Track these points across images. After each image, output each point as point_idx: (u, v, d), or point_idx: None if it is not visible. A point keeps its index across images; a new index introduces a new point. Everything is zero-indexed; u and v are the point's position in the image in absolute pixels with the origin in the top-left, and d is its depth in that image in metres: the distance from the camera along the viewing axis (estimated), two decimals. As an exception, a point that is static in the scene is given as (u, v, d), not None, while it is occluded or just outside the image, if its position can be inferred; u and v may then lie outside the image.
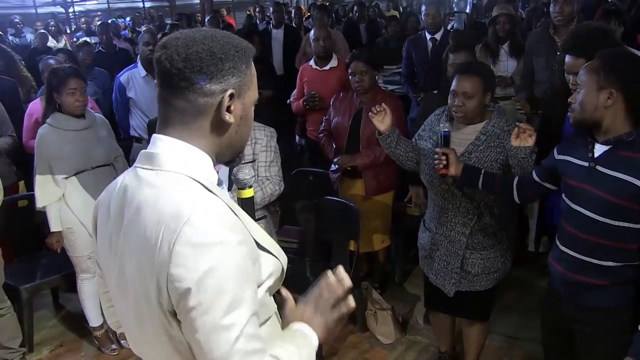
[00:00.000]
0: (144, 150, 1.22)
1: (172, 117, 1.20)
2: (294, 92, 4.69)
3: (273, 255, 1.26)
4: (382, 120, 2.71)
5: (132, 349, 1.37)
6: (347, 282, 1.29)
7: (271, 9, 7.33)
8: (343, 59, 4.84)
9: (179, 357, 1.20)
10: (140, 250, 1.14)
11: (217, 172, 1.25)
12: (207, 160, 1.22)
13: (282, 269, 1.30)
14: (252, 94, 1.25)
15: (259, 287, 1.20)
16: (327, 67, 4.48)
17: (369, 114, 2.75)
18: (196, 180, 1.16)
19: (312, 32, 4.64)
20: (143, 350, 1.32)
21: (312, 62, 4.56)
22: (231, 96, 1.18)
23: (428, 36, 4.93)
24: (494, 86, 2.69)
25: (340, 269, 1.31)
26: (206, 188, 1.17)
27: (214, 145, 1.22)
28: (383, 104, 2.75)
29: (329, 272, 1.31)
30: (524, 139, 2.39)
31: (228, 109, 1.18)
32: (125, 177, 1.24)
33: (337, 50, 5.67)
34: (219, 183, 1.27)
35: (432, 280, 2.80)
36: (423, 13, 5.07)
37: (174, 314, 1.14)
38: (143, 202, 1.15)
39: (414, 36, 5.25)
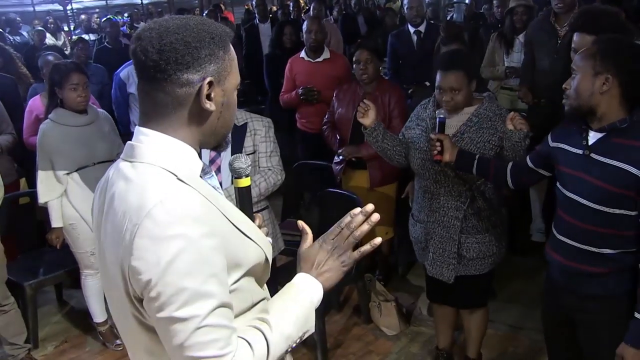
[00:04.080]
0: (128, 142, 1.23)
1: (153, 110, 1.19)
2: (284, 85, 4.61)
3: (255, 242, 1.27)
4: (366, 116, 2.71)
5: (121, 338, 1.38)
6: (375, 216, 1.31)
7: (254, 2, 7.25)
8: (337, 52, 4.83)
9: (151, 345, 1.22)
10: (113, 242, 1.16)
11: (214, 159, 1.24)
12: (189, 151, 1.21)
13: (265, 257, 1.30)
14: (233, 79, 1.23)
15: (238, 274, 1.21)
16: (320, 59, 4.43)
17: (356, 114, 2.75)
18: (170, 172, 1.16)
19: (304, 24, 4.61)
20: (125, 339, 1.33)
21: (302, 54, 4.50)
22: (210, 84, 1.17)
23: (412, 29, 4.91)
24: (477, 73, 2.75)
25: (369, 206, 1.32)
26: (180, 180, 1.16)
27: (197, 134, 1.22)
28: (366, 100, 2.76)
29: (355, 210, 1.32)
30: (518, 125, 2.45)
31: (208, 97, 1.18)
32: (111, 169, 1.25)
33: (330, 44, 5.65)
34: (206, 172, 1.27)
35: (429, 271, 2.80)
36: (406, 6, 5.05)
37: (140, 302, 1.15)
38: (117, 194, 1.16)
39: (397, 31, 5.23)
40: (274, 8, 11.58)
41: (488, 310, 2.94)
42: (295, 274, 1.32)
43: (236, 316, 1.22)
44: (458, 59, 2.66)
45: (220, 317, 1.12)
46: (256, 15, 6.95)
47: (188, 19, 1.18)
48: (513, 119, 2.47)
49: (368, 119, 2.71)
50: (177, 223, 1.08)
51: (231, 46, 1.23)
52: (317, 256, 1.31)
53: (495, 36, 4.66)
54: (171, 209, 1.09)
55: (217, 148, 1.32)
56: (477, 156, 2.44)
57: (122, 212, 1.13)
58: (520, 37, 4.53)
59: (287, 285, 1.31)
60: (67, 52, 6.44)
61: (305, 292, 1.29)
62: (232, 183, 1.68)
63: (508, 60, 4.59)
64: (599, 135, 1.99)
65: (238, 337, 1.15)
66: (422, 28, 4.88)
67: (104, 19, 7.83)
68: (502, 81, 4.62)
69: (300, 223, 1.39)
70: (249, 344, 1.16)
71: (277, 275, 3.08)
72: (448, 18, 7.85)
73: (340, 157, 3.73)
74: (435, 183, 2.68)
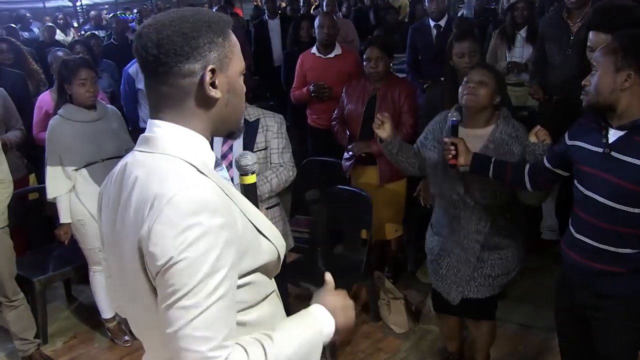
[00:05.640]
0: (142, 134, 1.25)
1: (161, 103, 1.21)
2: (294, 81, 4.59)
3: (268, 239, 1.28)
4: (383, 128, 2.67)
5: (133, 332, 1.38)
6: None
7: None
8: (348, 48, 4.80)
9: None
10: (131, 229, 1.16)
11: (226, 153, 1.23)
12: (202, 141, 1.23)
13: (278, 254, 1.31)
14: (237, 65, 1.25)
15: (251, 268, 1.22)
16: (332, 55, 4.42)
17: (373, 125, 2.71)
18: (189, 163, 1.18)
19: (317, 19, 4.59)
20: (141, 332, 1.33)
21: (314, 50, 4.48)
22: (212, 71, 1.18)
23: (432, 23, 4.89)
24: (504, 91, 2.71)
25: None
26: (198, 170, 1.18)
27: (207, 122, 1.24)
28: (385, 113, 2.72)
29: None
30: (541, 137, 2.40)
31: (213, 85, 1.19)
32: (125, 160, 1.26)
33: (349, 40, 5.63)
34: (218, 163, 1.29)
35: (436, 286, 2.77)
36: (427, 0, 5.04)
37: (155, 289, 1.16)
38: (136, 183, 1.17)
39: (417, 24, 5.22)
40: (283, 4, 11.55)
41: (496, 322, 2.89)
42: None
43: (248, 308, 1.24)
44: (492, 67, 2.72)
45: (219, 317, 1.10)
46: (265, 11, 6.94)
47: (185, 11, 1.20)
48: (538, 132, 2.41)
49: (385, 131, 2.66)
50: (197, 212, 1.10)
51: (232, 32, 1.24)
52: (336, 300, 1.36)
53: (496, 33, 4.65)
54: (192, 198, 1.11)
55: (231, 135, 1.34)
56: (492, 159, 2.39)
57: (142, 199, 1.14)
58: (522, 32, 4.51)
59: (302, 311, 1.32)
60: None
61: (318, 321, 1.29)
62: None
63: (510, 56, 4.58)
64: (620, 133, 1.96)
65: (237, 343, 1.14)
66: (442, 22, 4.86)
67: (110, 15, 7.84)
68: (505, 77, 4.59)
69: (328, 276, 1.43)
70: (246, 352, 1.14)
71: (286, 272, 3.08)
72: (459, 14, 7.81)
73: (350, 153, 3.71)
74: (454, 208, 2.63)
